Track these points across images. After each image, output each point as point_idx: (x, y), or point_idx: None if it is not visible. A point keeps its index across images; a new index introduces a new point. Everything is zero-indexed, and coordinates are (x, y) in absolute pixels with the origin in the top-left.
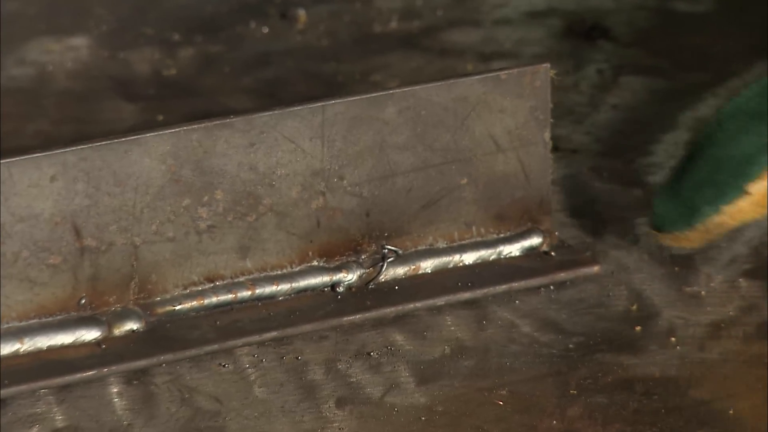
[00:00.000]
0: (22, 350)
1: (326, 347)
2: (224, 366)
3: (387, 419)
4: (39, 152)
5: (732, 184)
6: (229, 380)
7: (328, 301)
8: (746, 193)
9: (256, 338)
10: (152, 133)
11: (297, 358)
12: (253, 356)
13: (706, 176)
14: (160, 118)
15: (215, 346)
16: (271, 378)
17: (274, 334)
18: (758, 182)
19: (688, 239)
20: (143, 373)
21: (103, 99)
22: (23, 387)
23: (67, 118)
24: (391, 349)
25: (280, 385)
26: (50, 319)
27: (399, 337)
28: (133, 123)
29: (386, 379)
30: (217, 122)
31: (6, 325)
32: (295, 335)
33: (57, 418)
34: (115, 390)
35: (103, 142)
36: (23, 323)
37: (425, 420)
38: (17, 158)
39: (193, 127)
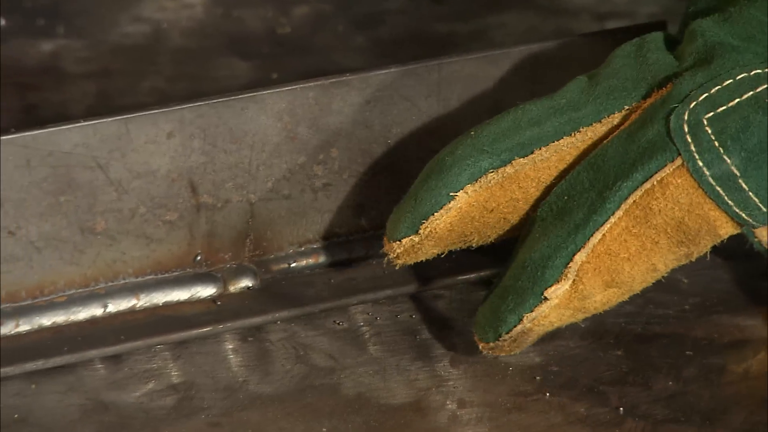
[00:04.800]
0: (138, 306)
1: (441, 306)
2: (339, 324)
3: (501, 378)
4: (156, 108)
5: (530, 291)
6: (344, 338)
7: (444, 259)
8: (544, 299)
9: (370, 296)
10: (269, 91)
11: (411, 316)
12: (368, 314)
13: (510, 283)
14: (274, 76)
15: (330, 304)
16: (385, 336)
17: (388, 292)
18: (556, 286)
19: (500, 349)
20: (258, 330)
21: (217, 56)
22: (139, 342)
23: (181, 76)
24: None
25: (395, 343)
26: (166, 275)
27: None
28: (247, 81)
29: None
30: (334, 80)
31: (123, 281)
32: (410, 294)
33: (173, 374)
34: (230, 347)
35: (220, 99)
36: (139, 279)
37: (540, 379)
38: (134, 114)
39: (310, 84)
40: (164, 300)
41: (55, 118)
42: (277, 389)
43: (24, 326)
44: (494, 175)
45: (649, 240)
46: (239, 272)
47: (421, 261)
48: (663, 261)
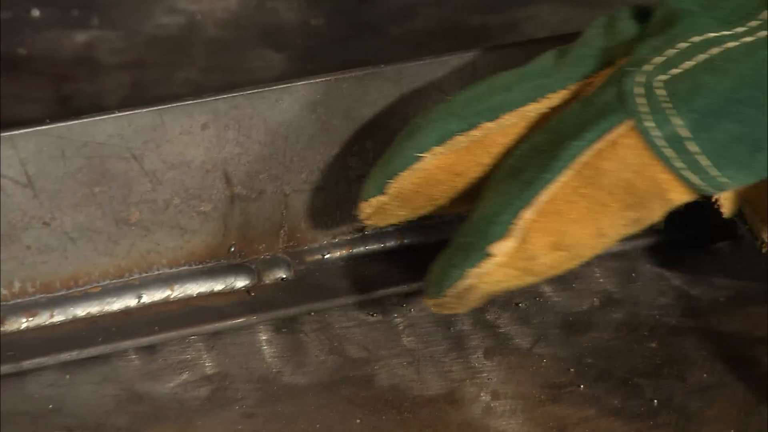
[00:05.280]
0: (172, 297)
1: None
2: (373, 315)
3: (535, 370)
4: (191, 99)
5: (475, 246)
6: (378, 329)
7: None
8: (489, 254)
9: (404, 288)
10: (303, 82)
11: None
12: (402, 306)
13: (459, 239)
14: (308, 67)
15: (364, 296)
16: (419, 328)
17: (422, 284)
18: (501, 242)
19: (445, 306)
20: (292, 321)
21: (251, 48)
22: (173, 333)
23: (215, 67)
24: (539, 300)
25: (429, 334)
26: (200, 266)
27: (547, 288)
28: (280, 72)
29: (535, 330)
30: (368, 71)
31: (157, 272)
32: None
33: (206, 364)
34: (264, 338)
35: (255, 90)
36: (174, 270)
37: (574, 371)
38: (169, 105)
39: (344, 76)
40: (198, 291)
41: (89, 108)
42: (311, 380)
43: (58, 317)
44: (462, 138)
45: (597, 202)
46: (273, 263)
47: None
48: (611, 225)
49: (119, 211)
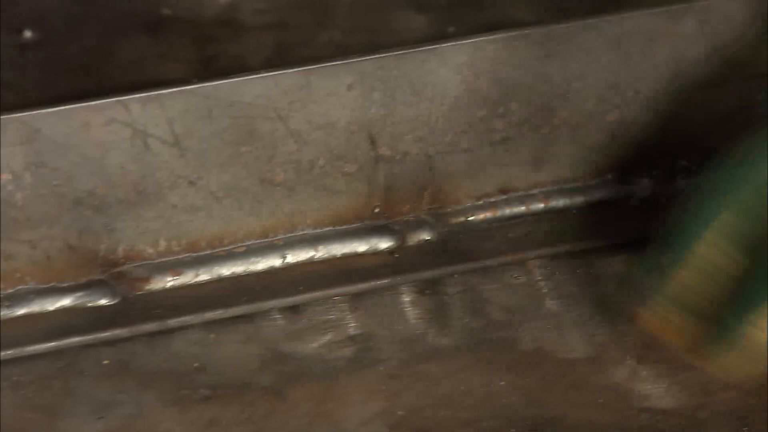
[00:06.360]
0: (316, 257)
1: (619, 261)
2: (516, 278)
3: None
4: (337, 60)
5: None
6: (521, 292)
7: (622, 214)
8: None
9: (549, 250)
10: (449, 44)
11: (589, 271)
12: (546, 268)
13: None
14: (451, 29)
15: (507, 258)
16: (563, 291)
17: (567, 246)
18: None
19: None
20: (435, 283)
21: (394, 9)
22: (317, 294)
23: (358, 28)
24: None
25: (573, 298)
26: (344, 227)
27: None
28: (423, 34)
29: None
30: (514, 33)
31: (301, 232)
32: (588, 249)
33: (350, 325)
34: (408, 299)
35: (401, 52)
36: (318, 231)
37: None
38: (315, 66)
39: (490, 37)
40: (342, 252)
41: (232, 69)
42: (455, 342)
43: (203, 276)
44: None
45: None
46: (417, 225)
47: (596, 217)
48: None
49: (264, 171)
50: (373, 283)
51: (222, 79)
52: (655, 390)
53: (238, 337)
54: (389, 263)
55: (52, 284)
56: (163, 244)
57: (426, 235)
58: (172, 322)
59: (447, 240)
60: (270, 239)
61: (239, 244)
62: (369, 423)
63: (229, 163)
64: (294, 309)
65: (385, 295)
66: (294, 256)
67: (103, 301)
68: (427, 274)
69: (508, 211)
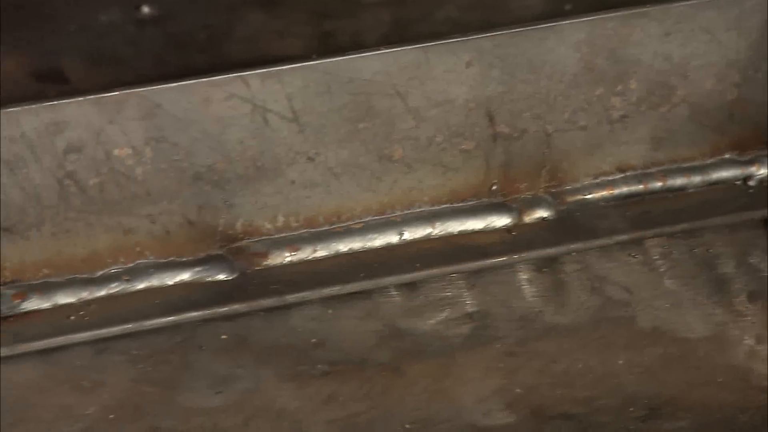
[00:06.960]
0: (433, 234)
1: (737, 240)
2: (634, 256)
3: None
4: (456, 37)
5: None
6: (639, 271)
7: (740, 194)
8: None
9: (666, 229)
10: (568, 21)
11: (708, 250)
12: (663, 247)
13: None
14: (567, 7)
15: (625, 236)
16: (681, 270)
17: (684, 225)
18: None
19: None
20: (552, 261)
21: None
22: (435, 271)
23: (475, 5)
24: None
25: (691, 277)
26: (462, 204)
27: None
28: (539, 11)
29: None
30: (633, 11)
31: (418, 209)
32: (706, 228)
33: (467, 302)
34: (525, 277)
35: (519, 29)
36: (435, 207)
37: None
38: (434, 43)
39: (609, 15)
40: (459, 229)
41: (350, 46)
42: (573, 320)
43: (321, 252)
44: None
45: None
46: (534, 203)
47: (715, 196)
48: None
49: (382, 148)
50: (490, 261)
51: (341, 56)
52: None
53: (355, 313)
54: (506, 241)
55: (171, 259)
56: (281, 219)
57: (543, 213)
58: (290, 298)
59: (565, 218)
60: (387, 216)
61: (357, 221)
62: (486, 400)
63: (347, 140)
64: (411, 286)
65: (502, 273)
66: (411, 233)
67: (222, 276)
68: (544, 252)
69: (625, 189)
